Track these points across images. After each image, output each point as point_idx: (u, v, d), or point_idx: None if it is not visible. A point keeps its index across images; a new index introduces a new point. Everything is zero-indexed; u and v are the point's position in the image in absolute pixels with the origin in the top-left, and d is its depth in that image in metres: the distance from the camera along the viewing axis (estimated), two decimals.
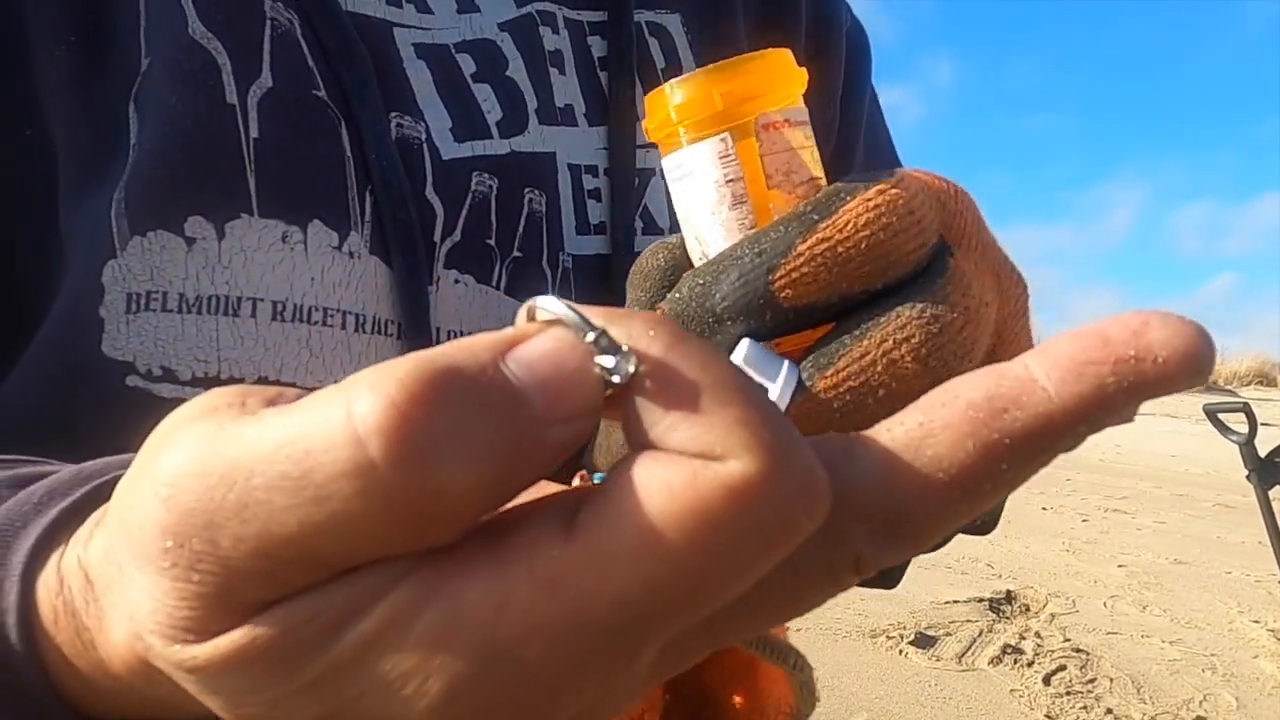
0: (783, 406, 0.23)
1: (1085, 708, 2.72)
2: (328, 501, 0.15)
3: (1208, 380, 0.17)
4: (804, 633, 3.24)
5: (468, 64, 0.40)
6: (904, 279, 0.24)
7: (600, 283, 0.41)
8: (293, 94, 0.35)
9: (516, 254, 0.39)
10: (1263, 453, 2.29)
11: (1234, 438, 2.31)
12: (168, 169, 0.33)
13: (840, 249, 0.23)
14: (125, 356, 0.32)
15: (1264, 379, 17.59)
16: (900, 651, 3.11)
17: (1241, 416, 2.28)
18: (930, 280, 0.24)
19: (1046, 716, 2.65)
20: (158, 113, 0.33)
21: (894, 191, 0.23)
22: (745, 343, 0.24)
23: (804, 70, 0.26)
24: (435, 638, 0.15)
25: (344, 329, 0.35)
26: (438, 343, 0.33)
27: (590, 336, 0.16)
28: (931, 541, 0.18)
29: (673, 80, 0.25)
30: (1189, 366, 0.16)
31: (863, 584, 0.30)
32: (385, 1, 0.39)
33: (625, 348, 0.16)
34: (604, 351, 0.16)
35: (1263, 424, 2.80)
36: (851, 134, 0.52)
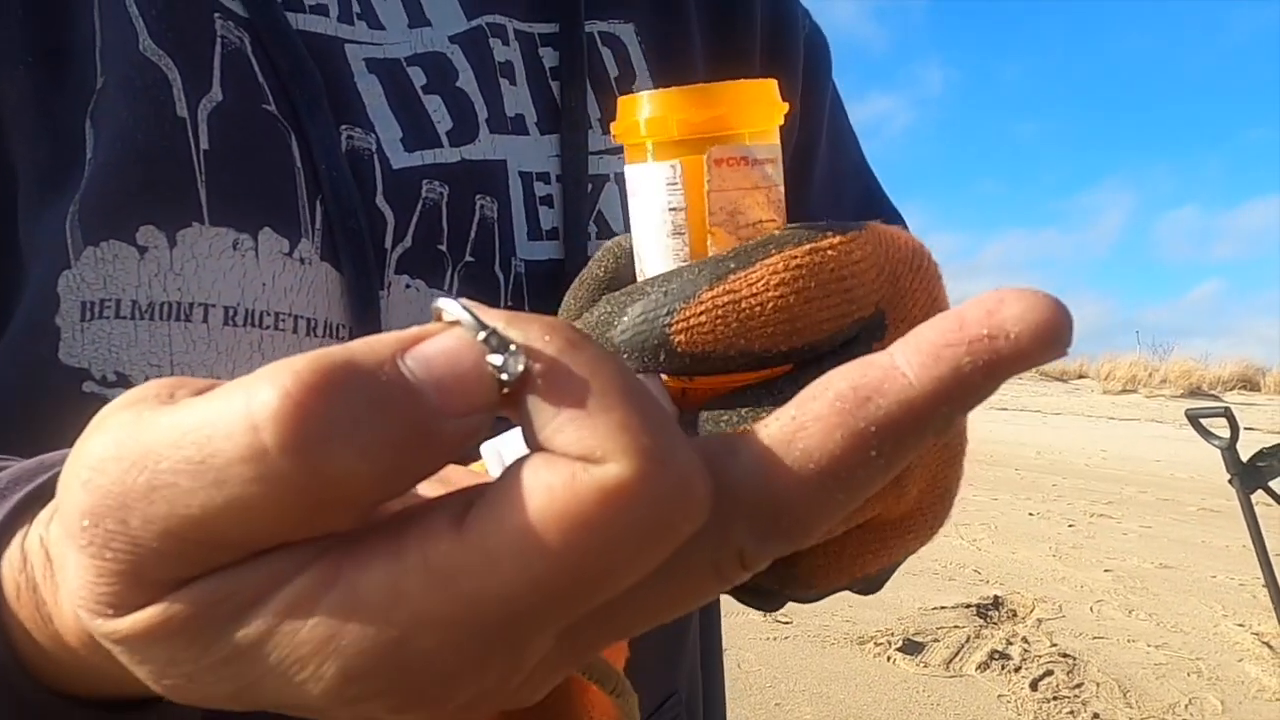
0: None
1: (1072, 712, 2.73)
2: (226, 485, 0.15)
3: (1066, 353, 0.17)
4: (791, 640, 3.24)
5: (418, 76, 0.41)
6: (821, 349, 0.23)
7: (553, 288, 0.41)
8: (242, 108, 0.36)
9: (469, 259, 0.40)
10: (1245, 457, 2.30)
11: (1216, 442, 2.33)
12: (120, 181, 0.33)
13: (745, 305, 0.22)
14: (81, 363, 0.33)
15: (1247, 383, 17.73)
16: (888, 658, 3.11)
17: (1224, 421, 2.29)
18: (828, 360, 0.23)
19: None
20: (111, 128, 0.34)
21: (830, 254, 0.22)
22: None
23: (784, 104, 0.25)
24: (333, 624, 0.16)
25: (295, 333, 0.35)
26: None
27: (481, 335, 0.17)
28: (812, 534, 0.18)
29: (647, 92, 0.25)
30: (1043, 340, 0.17)
31: (848, 590, 0.30)
32: (337, 19, 0.39)
33: (514, 347, 0.17)
34: (495, 351, 0.17)
35: (1246, 428, 2.82)
36: (812, 136, 0.52)
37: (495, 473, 0.26)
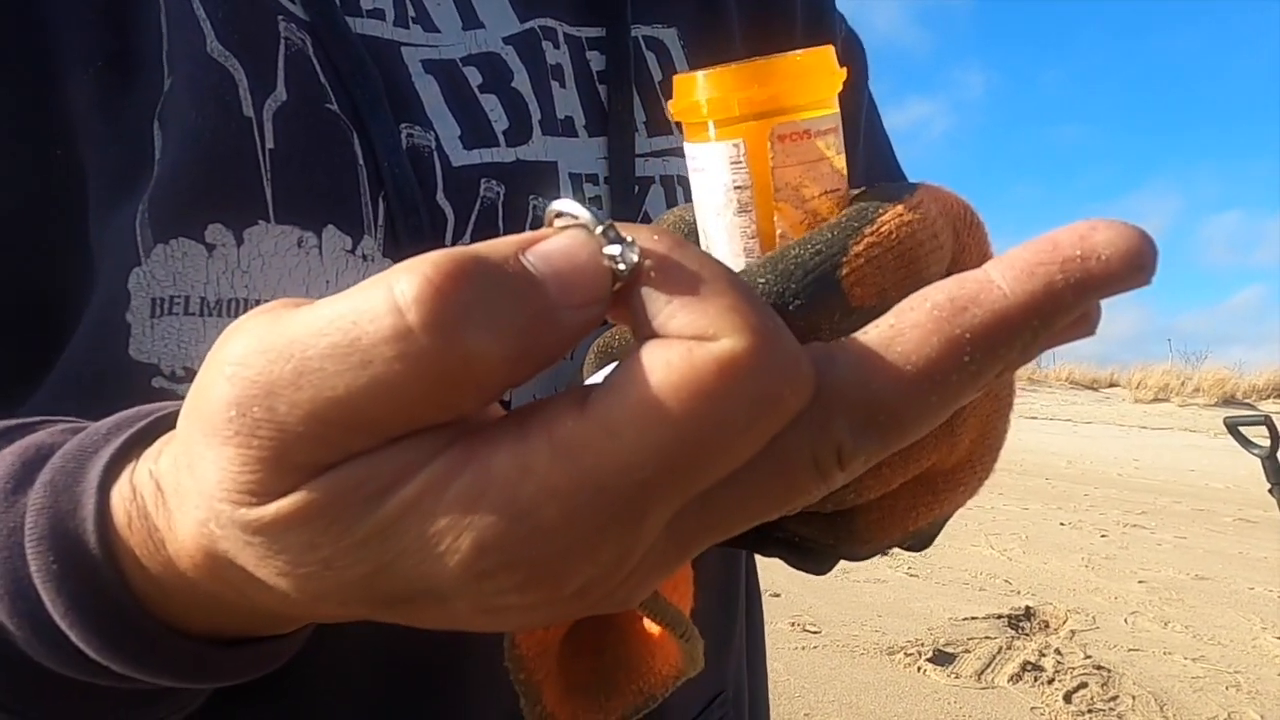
0: None
1: None
2: (371, 366, 0.17)
3: (1149, 281, 0.19)
4: (820, 650, 3.21)
5: (474, 76, 0.42)
6: None
7: None
8: (306, 107, 0.37)
9: None
10: None
11: (1256, 451, 2.28)
12: (188, 179, 0.34)
13: (885, 255, 0.23)
14: (150, 359, 0.34)
15: None
16: (919, 669, 3.08)
17: (1263, 430, 2.25)
18: None
19: None
20: (179, 128, 0.34)
21: (919, 211, 0.23)
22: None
23: (842, 70, 0.25)
24: (466, 501, 0.18)
25: None
26: None
27: (600, 229, 0.19)
28: (907, 434, 0.19)
29: (704, 70, 0.25)
30: (1131, 263, 0.19)
31: (898, 546, 0.30)
32: (393, 23, 0.40)
33: (630, 239, 0.19)
34: (612, 243, 0.19)
35: None
36: (849, 141, 0.52)
37: None
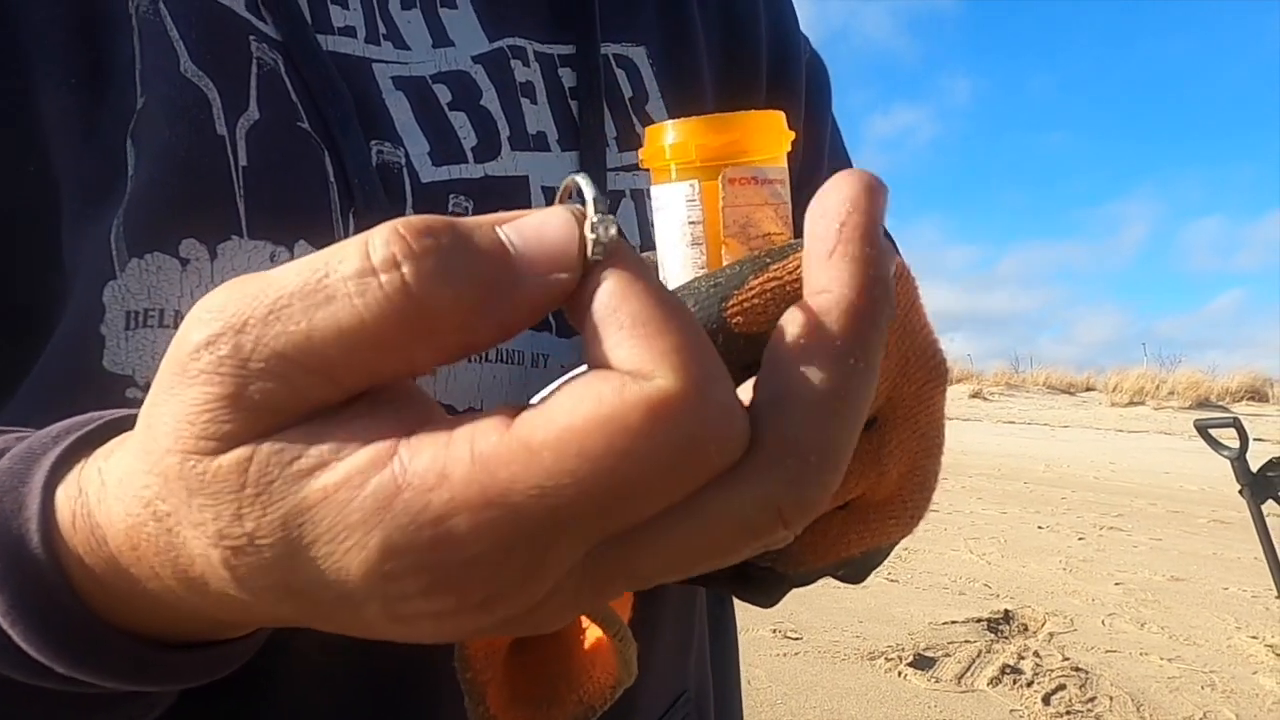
0: None
1: None
2: (333, 302, 0.18)
3: (887, 191, 0.22)
4: (802, 656, 3.22)
5: (444, 93, 0.42)
6: None
7: None
8: (278, 125, 0.37)
9: None
10: (1255, 467, 2.30)
11: (1226, 453, 2.32)
12: (163, 195, 0.35)
13: (788, 287, 0.24)
14: (125, 370, 0.34)
15: (1256, 394, 17.65)
16: (899, 674, 3.10)
17: (1233, 431, 2.29)
18: None
19: None
20: (153, 145, 0.35)
21: None
22: (574, 373, 0.27)
23: (791, 132, 0.28)
24: (381, 500, 0.18)
25: None
26: None
27: (592, 205, 0.20)
28: (838, 462, 0.20)
29: (670, 121, 0.28)
30: (871, 189, 0.22)
31: (834, 577, 0.31)
32: (364, 40, 0.41)
33: (612, 219, 0.20)
34: (597, 220, 0.20)
35: (1255, 439, 2.81)
36: (814, 163, 0.54)
37: None
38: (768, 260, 0.25)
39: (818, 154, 0.55)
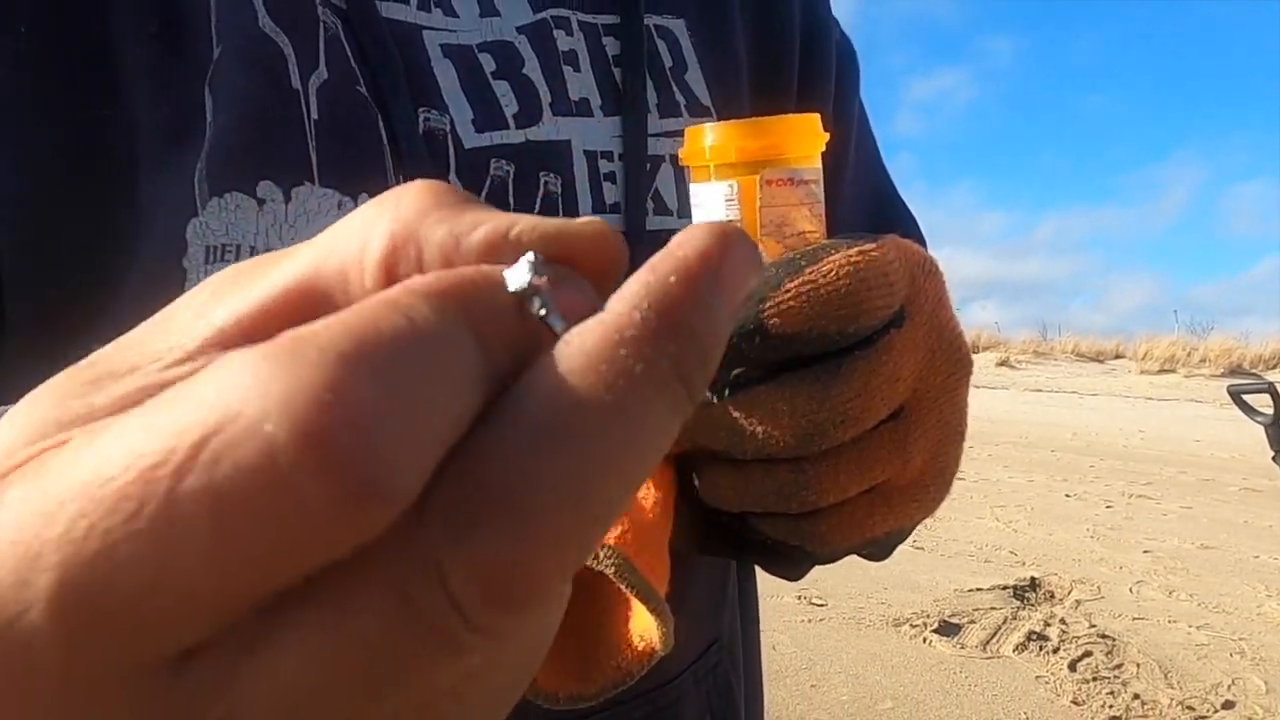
0: None
1: (1112, 693, 2.70)
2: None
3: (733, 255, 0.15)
4: (827, 623, 3.24)
5: (488, 63, 0.44)
6: (865, 331, 0.27)
7: None
8: (342, 86, 0.40)
9: None
10: None
11: (1259, 419, 2.28)
12: (241, 139, 0.37)
13: (823, 291, 0.26)
14: None
15: None
16: (925, 640, 3.11)
17: (1267, 398, 2.25)
18: (864, 348, 0.27)
19: (1073, 703, 2.64)
20: (230, 94, 0.37)
21: (875, 254, 0.27)
22: None
23: (825, 134, 0.30)
24: None
25: None
26: None
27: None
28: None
29: (710, 124, 0.30)
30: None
31: (858, 555, 0.32)
32: (416, 7, 0.43)
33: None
34: None
35: None
36: (842, 145, 0.56)
37: None
38: (802, 263, 0.26)
39: (847, 132, 0.57)
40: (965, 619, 3.32)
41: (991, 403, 12.87)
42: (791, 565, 0.33)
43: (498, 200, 0.42)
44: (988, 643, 3.10)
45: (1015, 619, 3.34)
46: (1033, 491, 6.00)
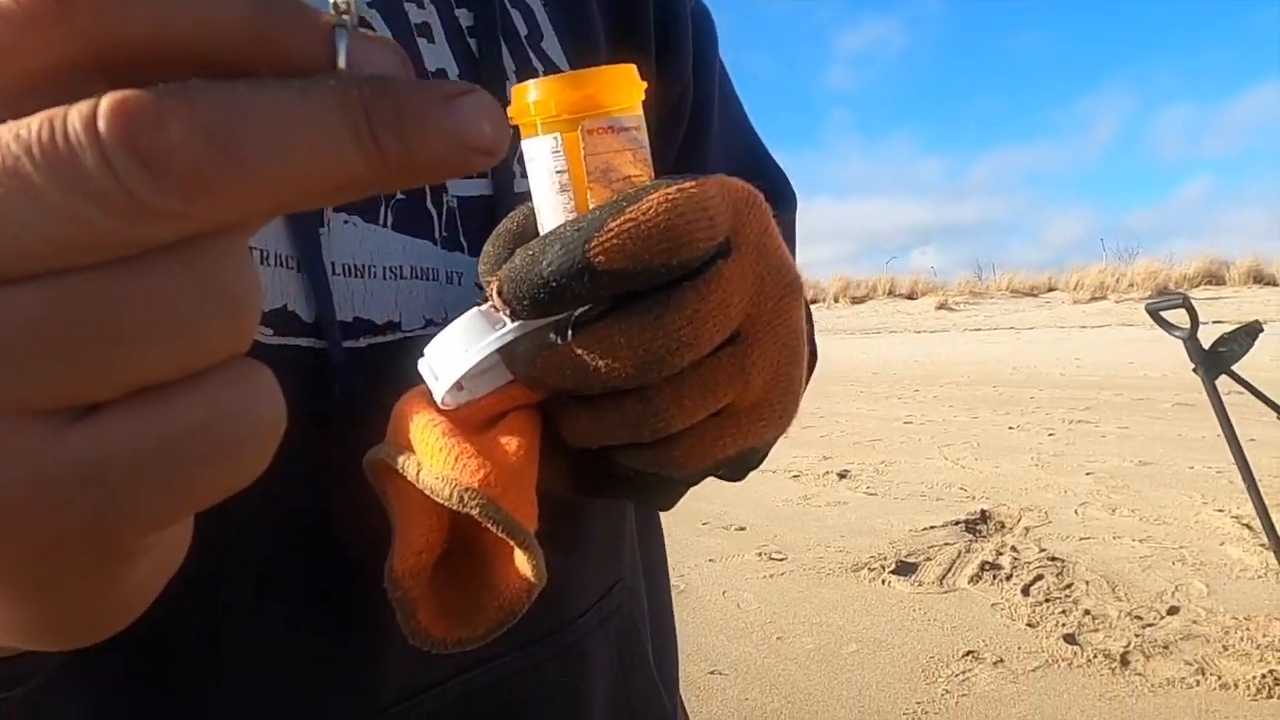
0: (469, 365, 0.30)
1: (1064, 612, 2.80)
2: None
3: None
4: (788, 576, 3.29)
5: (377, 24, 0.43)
6: (691, 263, 0.28)
7: (485, 218, 0.44)
8: None
9: (400, 196, 0.42)
10: (1208, 346, 2.34)
11: (1178, 333, 2.36)
12: None
13: (643, 228, 0.27)
14: None
15: (1213, 278, 17.98)
16: (883, 582, 3.18)
17: (1183, 312, 2.33)
18: (692, 279, 0.28)
19: (1028, 625, 2.73)
20: None
21: (693, 190, 0.28)
22: (474, 310, 0.30)
23: (643, 83, 0.31)
24: None
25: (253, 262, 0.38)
26: (333, 275, 0.38)
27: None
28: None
29: (531, 80, 0.31)
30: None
31: (716, 476, 0.33)
32: None
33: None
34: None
35: (1213, 321, 2.87)
36: (705, 107, 0.57)
37: (434, 386, 0.31)
38: (624, 204, 0.28)
39: (709, 92, 0.57)
40: (921, 557, 3.40)
41: (933, 346, 13.11)
42: (660, 494, 0.34)
43: None
44: (944, 577, 3.19)
45: (969, 552, 3.43)
46: (978, 428, 6.15)
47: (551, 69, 0.48)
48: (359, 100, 0.15)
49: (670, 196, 0.28)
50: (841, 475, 4.86)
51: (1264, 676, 2.28)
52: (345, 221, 0.40)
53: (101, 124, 0.14)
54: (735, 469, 0.35)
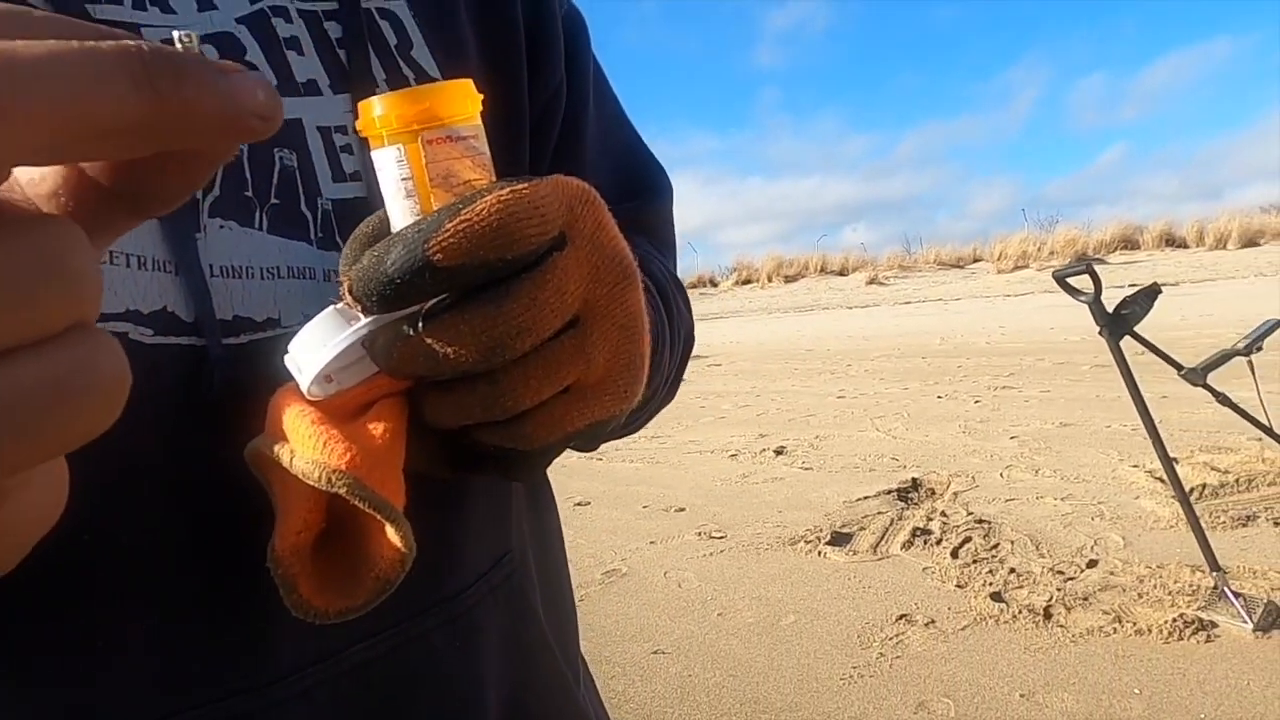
0: (328, 358, 0.32)
1: (991, 571, 2.91)
2: None
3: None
4: (727, 553, 3.35)
5: (211, 53, 0.43)
6: (527, 257, 0.31)
7: (361, 219, 0.45)
8: None
9: (274, 201, 0.43)
10: (1112, 309, 2.45)
11: (1083, 298, 2.47)
12: None
13: (477, 227, 0.30)
14: None
15: (1128, 243, 18.64)
16: (819, 553, 3.26)
17: (1087, 279, 2.43)
18: (529, 270, 0.31)
19: (957, 586, 2.83)
20: None
21: (525, 191, 0.31)
22: (330, 309, 0.33)
23: (479, 96, 0.34)
24: None
25: (129, 267, 0.39)
26: (211, 277, 0.39)
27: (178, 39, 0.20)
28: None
29: (375, 96, 0.33)
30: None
31: (571, 448, 0.37)
32: (131, 6, 0.42)
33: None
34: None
35: (1129, 285, 2.99)
36: (580, 106, 0.60)
37: (299, 379, 0.33)
38: (460, 206, 0.30)
39: (583, 95, 0.60)
40: (855, 527, 3.49)
41: (864, 321, 13.36)
42: (521, 467, 0.36)
43: (235, 179, 0.42)
44: (877, 545, 3.28)
45: (901, 519, 3.53)
46: (908, 398, 6.31)
47: (423, 76, 0.49)
48: (138, 54, 0.17)
49: (503, 198, 0.30)
50: (778, 452, 4.95)
51: (1174, 620, 2.40)
52: (221, 226, 0.41)
53: None
54: (587, 441, 0.37)
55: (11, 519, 0.20)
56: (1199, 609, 2.46)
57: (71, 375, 0.18)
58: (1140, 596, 2.61)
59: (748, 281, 22.55)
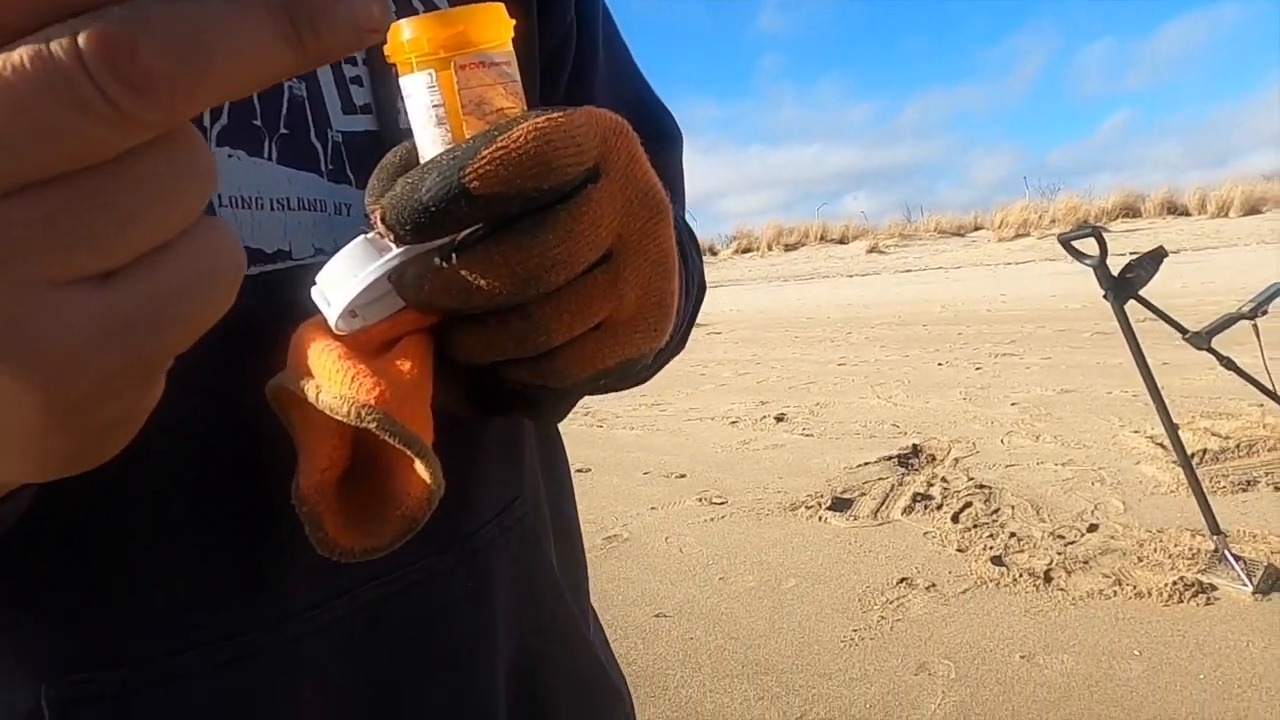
0: (359, 289, 0.31)
1: (992, 535, 2.92)
2: None
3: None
4: (728, 519, 3.36)
5: None
6: (562, 187, 0.30)
7: (371, 153, 0.44)
8: None
9: (283, 131, 0.42)
10: (1116, 273, 2.44)
11: (1088, 261, 2.45)
12: None
13: (513, 154, 0.29)
14: None
15: (1130, 211, 18.55)
16: (820, 519, 3.27)
17: (1093, 242, 2.41)
18: (564, 202, 0.30)
19: (958, 550, 2.84)
20: None
21: (561, 119, 0.30)
22: (360, 239, 0.32)
23: (511, 21, 0.33)
24: None
25: None
26: (220, 207, 0.39)
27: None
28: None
29: (405, 19, 0.32)
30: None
31: (599, 387, 0.36)
32: None
33: None
34: None
35: (1130, 253, 2.98)
36: (589, 50, 0.59)
37: (327, 313, 0.32)
38: (496, 133, 0.29)
39: (593, 43, 0.59)
40: (856, 492, 3.50)
41: (864, 289, 13.32)
42: (549, 407, 0.36)
43: (243, 105, 0.41)
44: (878, 510, 3.29)
45: (901, 485, 3.54)
46: (909, 366, 6.30)
47: (430, 8, 0.48)
48: (282, 6, 0.19)
49: (539, 125, 0.29)
50: (779, 419, 4.96)
51: (1174, 584, 2.41)
52: (230, 155, 0.40)
53: (87, 56, 0.17)
54: (617, 379, 0.36)
55: (149, 401, 0.22)
56: (1199, 572, 2.47)
57: (213, 257, 0.21)
58: (1140, 560, 2.62)
59: (748, 250, 22.47)
